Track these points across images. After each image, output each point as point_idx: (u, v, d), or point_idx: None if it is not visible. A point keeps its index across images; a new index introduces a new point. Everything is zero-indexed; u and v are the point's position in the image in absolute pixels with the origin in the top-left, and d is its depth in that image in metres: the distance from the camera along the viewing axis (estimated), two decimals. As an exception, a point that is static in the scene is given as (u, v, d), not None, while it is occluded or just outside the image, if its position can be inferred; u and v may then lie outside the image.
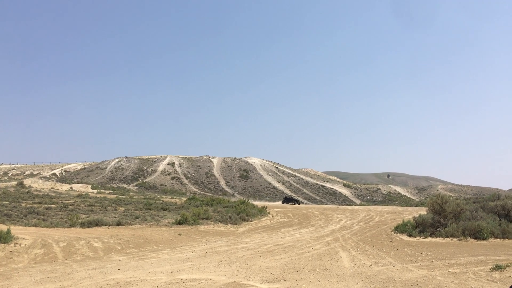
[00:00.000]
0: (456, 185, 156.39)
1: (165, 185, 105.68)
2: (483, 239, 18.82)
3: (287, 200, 62.62)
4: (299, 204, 59.17)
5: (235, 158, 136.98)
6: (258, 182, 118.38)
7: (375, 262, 12.35)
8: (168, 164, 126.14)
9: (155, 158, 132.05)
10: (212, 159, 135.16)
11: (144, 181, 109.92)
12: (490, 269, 10.91)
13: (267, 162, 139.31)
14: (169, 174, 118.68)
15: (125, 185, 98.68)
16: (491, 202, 26.72)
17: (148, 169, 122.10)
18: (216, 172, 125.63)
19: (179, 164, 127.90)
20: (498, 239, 19.07)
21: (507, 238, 19.15)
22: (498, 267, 10.77)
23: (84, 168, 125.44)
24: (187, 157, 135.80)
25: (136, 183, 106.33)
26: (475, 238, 19.05)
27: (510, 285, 2.54)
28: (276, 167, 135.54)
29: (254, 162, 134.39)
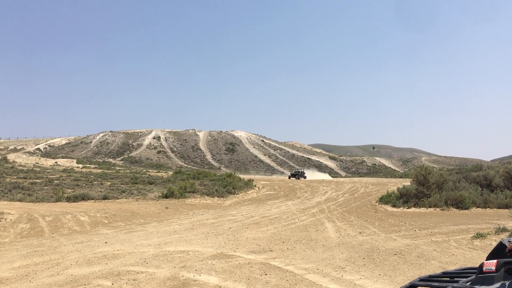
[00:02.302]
0: (440, 156, 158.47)
1: (151, 159, 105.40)
2: (465, 209, 19.22)
3: (295, 174, 59.47)
4: (305, 178, 56.56)
5: (221, 131, 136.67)
6: (245, 155, 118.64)
7: (360, 232, 12.57)
8: (154, 138, 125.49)
9: (141, 132, 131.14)
10: (198, 133, 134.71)
11: (130, 155, 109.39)
12: (471, 237, 11.18)
13: (253, 135, 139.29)
14: (155, 148, 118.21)
15: (110, 160, 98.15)
16: (474, 173, 27.19)
17: (134, 143, 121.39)
18: (202, 145, 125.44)
19: (165, 138, 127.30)
20: (480, 209, 19.49)
21: (488, 207, 19.59)
22: (479, 235, 11.04)
23: (69, 143, 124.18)
24: (173, 131, 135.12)
25: (122, 157, 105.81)
26: (457, 207, 19.44)
27: (489, 252, 2.66)
28: (262, 140, 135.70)
29: (240, 136, 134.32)
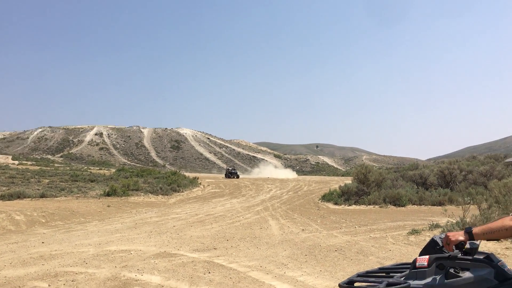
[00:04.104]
0: (380, 155, 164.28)
1: (93, 156, 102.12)
2: (402, 206, 20.07)
3: (230, 173, 57.15)
4: (237, 177, 54.35)
5: (166, 128, 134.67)
6: (190, 153, 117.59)
7: (303, 230, 12.82)
8: (96, 134, 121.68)
9: (82, 128, 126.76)
10: (142, 130, 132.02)
11: (70, 152, 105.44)
12: (407, 233, 11.69)
13: (199, 133, 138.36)
14: (97, 144, 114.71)
15: (49, 156, 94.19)
16: (410, 171, 28.43)
17: (75, 140, 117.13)
18: (146, 143, 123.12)
19: (108, 134, 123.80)
20: (416, 206, 20.42)
21: (423, 204, 20.55)
22: (414, 231, 11.57)
23: (4, 138, 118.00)
24: (116, 127, 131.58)
25: (62, 154, 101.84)
26: (395, 205, 20.26)
27: (422, 248, 2.83)
28: (208, 138, 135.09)
29: (185, 133, 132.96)
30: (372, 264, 7.93)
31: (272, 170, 70.04)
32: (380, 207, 20.15)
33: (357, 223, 14.54)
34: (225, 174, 57.02)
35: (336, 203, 22.05)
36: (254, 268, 7.65)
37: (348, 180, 31.43)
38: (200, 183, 34.85)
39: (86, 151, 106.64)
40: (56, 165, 57.77)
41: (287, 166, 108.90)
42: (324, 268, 7.72)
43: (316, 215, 17.10)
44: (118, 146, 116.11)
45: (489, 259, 2.74)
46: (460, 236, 2.63)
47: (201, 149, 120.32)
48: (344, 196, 22.83)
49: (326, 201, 23.31)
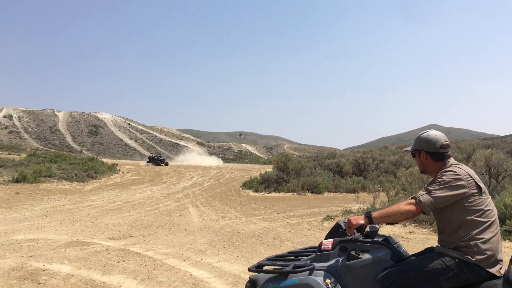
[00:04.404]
0: (301, 144, 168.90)
1: (1, 140, 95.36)
2: (319, 193, 20.85)
3: (152, 160, 52.80)
4: (166, 165, 50.13)
5: (83, 112, 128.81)
6: (109, 139, 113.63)
7: (222, 217, 12.90)
8: (4, 117, 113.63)
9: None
10: (57, 113, 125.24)
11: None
12: (322, 219, 12.18)
13: (119, 118, 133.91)
14: (6, 127, 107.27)
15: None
16: (328, 160, 29.55)
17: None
18: (61, 127, 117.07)
19: (18, 117, 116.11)
20: (332, 193, 21.31)
21: (339, 192, 21.51)
22: (328, 217, 12.08)
23: None
24: (28, 110, 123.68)
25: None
26: (312, 192, 21.00)
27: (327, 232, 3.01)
28: (129, 124, 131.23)
29: (104, 118, 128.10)
30: (288, 249, 8.17)
31: (197, 157, 68.15)
32: (299, 194, 20.78)
33: (276, 210, 14.88)
34: (149, 161, 53.00)
35: (256, 191, 22.41)
36: (171, 255, 7.59)
37: (269, 168, 32.00)
38: (119, 170, 33.78)
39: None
40: (-42, 149, 53.26)
41: (210, 153, 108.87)
42: (241, 254, 7.83)
43: (237, 202, 17.27)
44: (30, 130, 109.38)
45: (387, 241, 2.93)
46: (360, 220, 2.79)
47: (121, 135, 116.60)
48: (265, 183, 23.26)
49: (247, 188, 23.60)
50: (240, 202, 17.58)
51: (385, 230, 9.61)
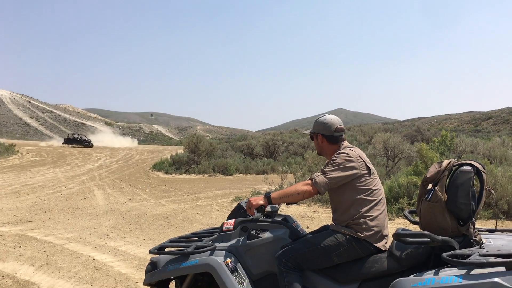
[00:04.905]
0: (213, 126, 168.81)
1: None
2: (230, 175, 21.06)
3: (71, 140, 47.88)
4: (91, 146, 46.49)
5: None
6: (7, 117, 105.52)
7: (130, 199, 12.59)
8: None
9: None
10: None
11: None
12: (231, 200, 12.34)
13: (18, 95, 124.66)
14: None
15: None
16: (239, 142, 29.87)
17: None
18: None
19: None
20: (242, 175, 21.62)
21: (249, 173, 21.87)
22: (237, 199, 12.28)
23: None
24: None
25: None
26: (223, 174, 21.15)
27: (229, 213, 3.08)
28: (29, 102, 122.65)
29: (1, 95, 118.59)
30: (196, 230, 8.20)
31: (110, 138, 64.17)
32: (209, 176, 20.83)
33: (186, 191, 14.82)
34: (66, 141, 47.95)
35: (167, 172, 22.12)
36: (73, 240, 7.29)
37: (180, 150, 31.66)
38: (17, 151, 31.56)
39: None
40: None
41: (119, 134, 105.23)
42: (148, 236, 7.72)
43: (146, 185, 16.93)
44: None
45: (286, 221, 3.05)
46: (260, 200, 2.87)
47: (20, 114, 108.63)
48: (175, 165, 23.02)
49: (157, 170, 23.21)
50: (150, 184, 17.26)
51: (291, 210, 9.99)
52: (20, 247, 6.69)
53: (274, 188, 12.09)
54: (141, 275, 5.42)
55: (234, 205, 11.53)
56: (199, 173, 21.37)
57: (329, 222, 8.53)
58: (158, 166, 23.76)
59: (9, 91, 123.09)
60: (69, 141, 47.80)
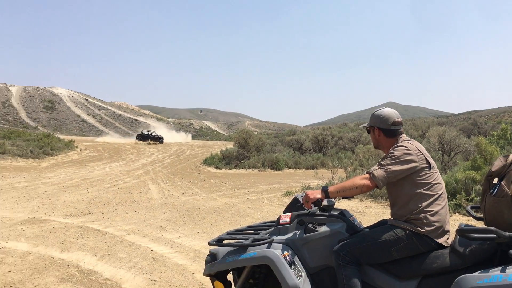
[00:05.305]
0: (262, 121, 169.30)
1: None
2: (279, 170, 21.11)
3: (144, 137, 49.02)
4: (162, 142, 47.54)
5: (38, 87, 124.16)
6: (66, 115, 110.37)
7: (183, 193, 12.90)
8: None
9: None
10: (10, 88, 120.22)
11: None
12: (281, 195, 12.39)
13: (76, 93, 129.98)
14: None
15: None
16: (288, 137, 29.85)
17: None
18: (15, 102, 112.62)
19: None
20: (292, 169, 21.61)
21: (298, 168, 21.82)
22: (288, 193, 12.30)
23: None
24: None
25: None
26: (272, 168, 21.23)
27: (286, 206, 3.13)
28: (86, 99, 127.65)
29: (61, 93, 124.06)
30: (248, 224, 8.30)
31: (168, 134, 65.27)
32: (259, 170, 20.97)
33: (236, 186, 15.00)
34: (140, 138, 48.76)
35: (217, 167, 22.46)
36: (131, 232, 7.57)
37: (230, 145, 32.04)
38: (76, 147, 33.00)
39: None
40: None
41: (178, 130, 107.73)
42: (202, 229, 7.90)
43: (197, 179, 17.28)
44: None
45: (342, 215, 3.05)
46: (317, 194, 2.88)
47: (78, 111, 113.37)
48: (225, 160, 23.32)
49: (207, 165, 23.61)
50: (201, 178, 17.60)
51: (342, 204, 9.90)
52: (82, 238, 7.03)
53: (325, 183, 12.01)
54: (196, 267, 5.58)
55: (285, 199, 11.59)
56: (249, 168, 21.56)
57: (382, 217, 8.37)
58: (209, 161, 24.17)
59: (68, 89, 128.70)
60: (143, 137, 48.93)
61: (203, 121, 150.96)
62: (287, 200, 11.37)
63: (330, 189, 2.87)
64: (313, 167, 21.53)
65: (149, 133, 50.86)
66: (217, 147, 38.55)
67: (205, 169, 22.02)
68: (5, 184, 14.56)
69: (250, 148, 23.48)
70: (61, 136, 41.50)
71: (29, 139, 31.71)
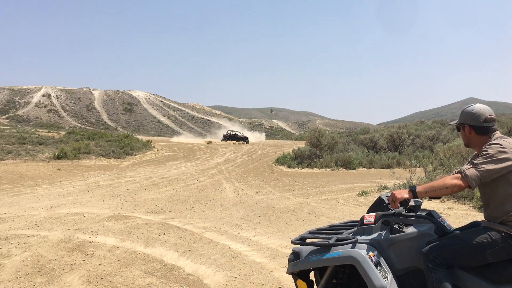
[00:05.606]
0: (333, 120, 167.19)
1: (41, 118, 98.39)
2: (353, 169, 20.72)
3: (230, 137, 51.56)
4: (247, 143, 49.33)
5: (118, 90, 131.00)
6: (143, 116, 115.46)
7: (257, 192, 13.05)
8: (43, 95, 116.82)
9: (28, 89, 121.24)
10: (93, 92, 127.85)
11: (17, 113, 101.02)
12: (357, 195, 12.16)
13: (152, 95, 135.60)
14: (45, 106, 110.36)
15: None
16: (361, 136, 29.23)
17: (21, 101, 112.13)
18: (97, 105, 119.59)
19: (56, 96, 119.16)
20: (366, 169, 21.14)
21: (373, 167, 21.30)
22: (363, 193, 12.04)
23: None
24: (65, 88, 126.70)
25: (7, 115, 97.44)
26: (346, 168, 20.89)
27: (369, 206, 3.03)
28: (162, 101, 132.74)
29: (138, 95, 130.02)
30: (323, 224, 8.21)
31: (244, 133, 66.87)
32: (332, 170, 20.72)
33: (310, 185, 14.93)
34: (227, 138, 51.33)
35: (289, 166, 22.47)
36: (209, 229, 7.77)
37: (301, 144, 31.94)
38: (153, 146, 34.47)
39: (34, 113, 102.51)
40: (1, 127, 55.30)
41: (252, 130, 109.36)
42: (277, 228, 7.95)
43: (270, 178, 17.39)
44: (68, 108, 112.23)
45: (431, 216, 2.94)
46: (405, 194, 2.80)
47: (154, 112, 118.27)
48: (297, 159, 23.28)
49: (279, 164, 23.69)
50: (274, 177, 17.70)
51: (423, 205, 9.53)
52: (164, 234, 7.33)
53: (402, 183, 11.64)
54: (274, 265, 5.62)
55: (360, 199, 11.36)
56: (322, 167, 21.37)
57: (466, 219, 7.97)
58: (281, 160, 24.25)
59: (145, 92, 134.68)
60: (229, 137, 51.38)
61: (274, 120, 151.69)
62: (363, 200, 11.15)
63: (418, 189, 2.78)
64: (388, 167, 20.91)
65: (235, 133, 53.23)
66: (289, 146, 38.59)
67: (278, 168, 22.12)
68: (91, 182, 15.52)
69: (322, 147, 23.28)
70: (139, 137, 43.55)
71: (110, 139, 33.58)
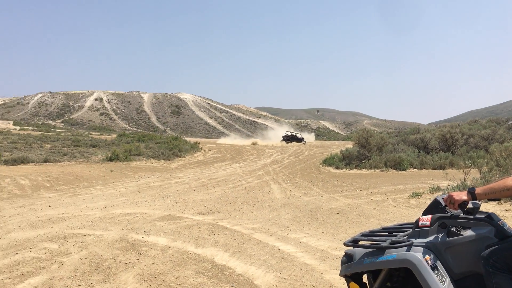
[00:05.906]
0: (381, 120, 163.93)
1: (94, 122, 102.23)
2: (403, 170, 20.21)
3: (291, 138, 53.35)
4: (304, 143, 50.66)
5: (166, 93, 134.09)
6: (190, 118, 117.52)
7: (305, 193, 12.98)
8: (96, 99, 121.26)
9: (82, 94, 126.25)
10: (142, 95, 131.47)
11: (71, 117, 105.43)
12: (408, 196, 11.85)
13: (199, 98, 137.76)
14: (98, 110, 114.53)
15: (50, 122, 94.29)
16: (412, 136, 28.47)
17: (75, 105, 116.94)
18: (147, 108, 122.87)
19: (108, 99, 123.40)
20: (416, 170, 20.56)
21: (424, 168, 20.68)
22: (415, 195, 11.72)
23: (4, 104, 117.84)
24: (116, 92, 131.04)
25: (62, 119, 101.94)
26: (396, 169, 20.40)
27: (424, 209, 2.93)
28: (208, 103, 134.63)
29: (186, 98, 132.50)
30: (374, 226, 8.08)
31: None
32: (381, 171, 20.30)
33: (358, 186, 14.70)
34: (287, 140, 53.04)
35: (337, 167, 22.21)
36: (258, 230, 7.81)
37: (349, 145, 31.53)
38: (201, 148, 35.02)
39: (87, 117, 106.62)
40: (57, 130, 57.87)
41: (301, 131, 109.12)
42: (326, 230, 7.88)
43: (318, 179, 17.26)
44: (119, 111, 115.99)
45: (490, 218, 2.83)
46: (463, 195, 2.71)
47: (201, 114, 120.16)
48: (345, 160, 22.97)
49: (327, 165, 23.46)
50: (321, 179, 17.55)
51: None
52: (214, 234, 7.43)
53: (455, 184, 11.24)
54: (325, 267, 5.58)
55: (412, 201, 11.07)
56: (370, 168, 20.98)
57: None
58: (328, 161, 24.00)
59: (192, 94, 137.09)
60: (289, 138, 53.32)
61: (320, 121, 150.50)
62: (414, 202, 10.86)
63: (478, 190, 2.68)
64: (440, 167, 20.23)
65: (294, 134, 55.32)
66: (336, 147, 38.15)
67: (325, 169, 21.92)
68: (143, 183, 15.96)
69: (371, 148, 22.85)
70: (187, 139, 44.36)
71: (159, 141, 34.43)
